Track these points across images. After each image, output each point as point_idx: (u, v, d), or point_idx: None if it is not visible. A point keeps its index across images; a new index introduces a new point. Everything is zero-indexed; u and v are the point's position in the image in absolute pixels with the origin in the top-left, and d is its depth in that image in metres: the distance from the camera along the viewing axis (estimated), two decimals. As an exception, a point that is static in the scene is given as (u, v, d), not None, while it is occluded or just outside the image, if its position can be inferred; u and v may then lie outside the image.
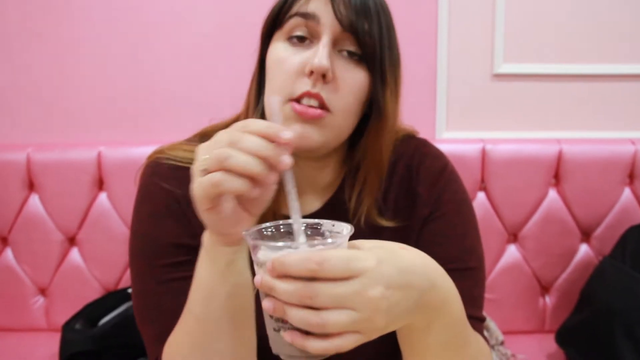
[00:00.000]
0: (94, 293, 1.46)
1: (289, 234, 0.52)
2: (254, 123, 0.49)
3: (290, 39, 0.64)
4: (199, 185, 0.50)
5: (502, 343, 1.36)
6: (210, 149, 0.50)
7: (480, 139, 1.46)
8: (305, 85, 0.62)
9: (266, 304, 0.47)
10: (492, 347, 1.34)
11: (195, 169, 0.51)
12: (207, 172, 0.49)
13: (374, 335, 0.47)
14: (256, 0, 0.70)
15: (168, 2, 1.49)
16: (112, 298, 1.39)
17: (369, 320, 0.45)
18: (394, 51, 0.67)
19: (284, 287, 0.45)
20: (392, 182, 0.75)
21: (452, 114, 1.53)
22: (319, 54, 0.61)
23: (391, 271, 0.47)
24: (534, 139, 1.48)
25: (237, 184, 0.48)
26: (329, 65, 0.61)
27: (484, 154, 1.42)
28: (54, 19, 1.50)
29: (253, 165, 0.47)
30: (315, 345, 0.45)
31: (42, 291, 1.50)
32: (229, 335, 0.60)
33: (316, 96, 0.62)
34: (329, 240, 0.51)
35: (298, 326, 0.45)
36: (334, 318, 0.44)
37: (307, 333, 0.46)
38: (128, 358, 1.26)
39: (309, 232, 0.53)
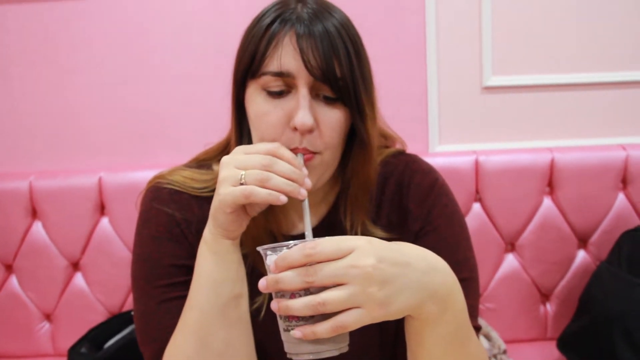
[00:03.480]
0: (98, 317, 1.47)
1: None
2: (285, 151, 0.63)
3: (268, 92, 0.67)
4: (232, 193, 0.60)
5: (504, 352, 1.37)
6: (244, 164, 0.61)
7: (473, 150, 1.48)
8: (292, 140, 0.67)
9: (272, 304, 0.54)
10: (494, 356, 1.35)
11: (227, 178, 0.61)
12: (244, 184, 0.60)
13: (376, 312, 0.51)
14: (247, 20, 0.73)
15: (166, 29, 1.53)
16: (116, 321, 1.40)
17: (365, 291, 0.50)
18: (367, 82, 0.70)
19: (286, 275, 0.51)
20: (383, 199, 0.77)
21: (445, 127, 1.55)
22: (301, 112, 0.65)
23: (384, 249, 0.53)
24: (526, 148, 1.51)
25: (267, 194, 0.60)
26: (312, 123, 0.66)
27: (477, 165, 1.44)
28: (53, 46, 1.54)
29: (287, 185, 0.60)
30: (322, 327, 0.51)
31: (48, 317, 1.52)
32: (228, 321, 0.66)
33: (304, 150, 0.68)
34: None
35: (302, 313, 0.51)
36: (332, 294, 0.50)
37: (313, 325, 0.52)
38: (134, 380, 1.27)
39: None
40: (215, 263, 0.65)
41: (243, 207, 0.64)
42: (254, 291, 0.74)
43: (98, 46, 1.54)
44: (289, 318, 0.53)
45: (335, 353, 0.54)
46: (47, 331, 1.51)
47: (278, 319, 0.56)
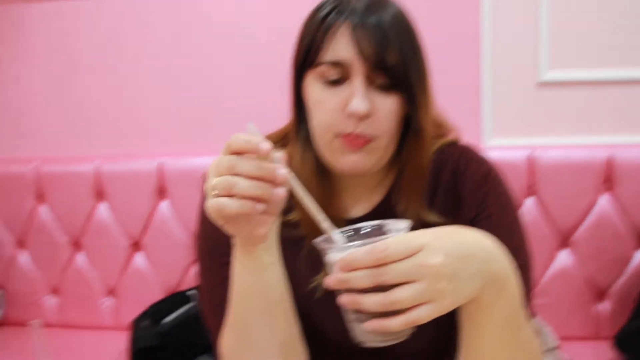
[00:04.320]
0: (156, 294, 1.56)
1: (350, 237, 0.60)
2: (234, 140, 0.56)
3: (325, 81, 0.70)
4: (211, 207, 0.57)
5: (556, 348, 1.35)
6: (217, 171, 0.56)
7: (527, 145, 1.46)
8: (348, 126, 0.68)
9: (342, 299, 0.54)
10: (547, 351, 1.33)
11: (207, 189, 0.57)
12: (219, 196, 0.56)
13: (445, 305, 0.52)
14: (303, 11, 0.76)
15: (227, 19, 1.58)
16: (174, 299, 1.48)
17: (435, 288, 0.51)
18: (421, 69, 0.72)
19: (356, 275, 0.52)
20: (438, 186, 0.79)
21: (499, 121, 1.54)
22: (356, 99, 0.67)
23: (449, 242, 0.53)
24: (583, 144, 1.47)
25: (239, 206, 0.55)
26: (367, 109, 0.67)
27: (531, 160, 1.42)
28: (117, 38, 1.63)
29: (254, 189, 0.55)
30: (395, 322, 0.51)
31: (110, 292, 1.62)
32: (265, 325, 0.68)
33: (360, 135, 0.69)
34: (389, 234, 0.57)
35: (374, 310, 0.52)
36: (403, 292, 0.51)
37: (384, 317, 0.52)
38: (189, 355, 1.34)
39: (369, 231, 0.60)
40: (242, 269, 0.66)
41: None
42: (310, 271, 0.77)
43: (160, 37, 1.62)
44: (358, 311, 0.54)
45: (402, 339, 0.55)
46: (109, 305, 1.61)
47: (345, 310, 0.56)
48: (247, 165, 0.55)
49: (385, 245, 0.51)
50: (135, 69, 1.64)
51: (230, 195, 0.55)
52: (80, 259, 1.61)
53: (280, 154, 0.57)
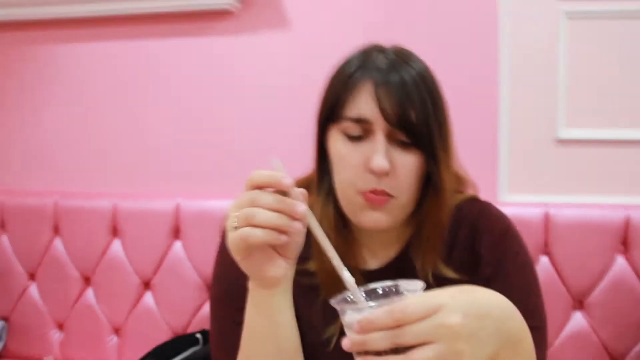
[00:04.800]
0: (163, 335, 1.54)
1: (368, 297, 0.59)
2: (256, 175, 0.59)
3: (347, 136, 0.72)
4: (232, 240, 0.59)
5: (568, 415, 1.31)
6: (237, 206, 0.59)
7: (543, 202, 1.46)
8: (370, 182, 0.70)
9: None
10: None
11: (228, 225, 0.59)
12: (237, 228, 0.58)
13: None
14: (328, 64, 0.79)
15: (245, 66, 1.64)
16: (181, 341, 1.46)
17: (454, 348, 0.50)
18: (443, 126, 0.73)
19: (374, 336, 0.51)
20: (456, 242, 0.79)
21: (515, 177, 1.54)
22: (377, 157, 0.69)
23: (466, 302, 0.53)
24: (599, 204, 1.47)
25: (262, 235, 0.57)
26: (388, 167, 0.69)
27: (547, 217, 1.42)
28: (140, 81, 1.69)
29: (274, 219, 0.57)
30: None
31: (117, 330, 1.60)
32: None
33: (381, 192, 0.70)
34: (405, 295, 0.57)
35: None
36: (422, 354, 0.50)
37: None
38: (192, 401, 1.31)
39: (386, 292, 0.59)
40: (255, 313, 0.67)
41: (269, 251, 0.61)
42: (325, 321, 0.77)
43: (181, 81, 1.67)
44: None
45: None
46: (115, 344, 1.60)
47: None
48: (267, 197, 0.57)
49: (404, 306, 0.51)
50: (154, 111, 1.69)
51: (251, 226, 0.57)
52: (90, 294, 1.61)
53: (301, 190, 0.59)
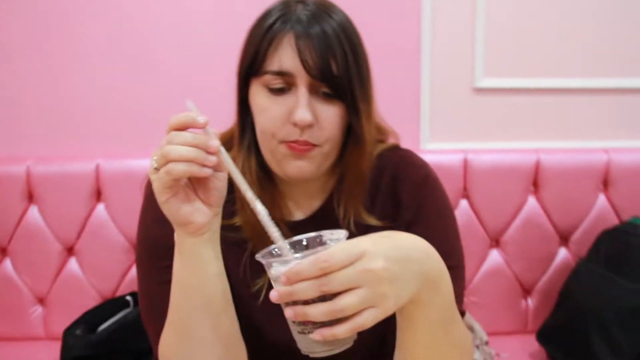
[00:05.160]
0: (91, 301, 1.50)
1: (293, 249, 0.60)
2: (174, 118, 0.61)
3: (269, 89, 0.71)
4: (156, 179, 0.61)
5: (486, 343, 1.43)
6: (157, 152, 0.61)
7: (462, 149, 1.53)
8: (293, 133, 0.70)
9: (288, 312, 0.54)
10: (476, 347, 1.40)
11: (150, 169, 0.62)
12: (158, 169, 0.60)
13: (388, 309, 0.54)
14: (251, 15, 0.76)
15: (170, 23, 1.55)
16: (110, 305, 1.43)
17: (378, 292, 0.52)
18: (364, 78, 0.74)
19: (301, 286, 0.52)
20: (378, 190, 0.82)
21: (436, 126, 1.60)
22: (300, 110, 0.69)
23: (388, 247, 0.55)
24: (513, 149, 1.56)
25: (184, 167, 0.59)
26: (311, 119, 0.69)
27: (466, 163, 1.50)
28: (56, 33, 1.56)
29: (190, 152, 0.59)
30: (342, 329, 0.53)
31: (41, 300, 1.54)
32: (205, 323, 0.68)
33: (304, 142, 0.71)
34: (329, 244, 0.58)
35: (320, 319, 0.53)
36: (348, 299, 0.52)
37: (329, 326, 0.53)
38: (127, 363, 1.30)
39: (309, 243, 0.61)
40: (182, 264, 0.67)
41: (191, 195, 0.63)
42: (253, 274, 0.78)
43: (98, 35, 1.56)
44: (304, 322, 0.55)
45: (347, 346, 0.57)
46: (39, 315, 1.54)
47: (290, 321, 0.57)
48: (181, 135, 0.59)
49: (329, 255, 0.52)
50: (70, 67, 1.57)
51: (167, 163, 0.59)
52: (8, 265, 1.52)
53: (214, 130, 0.61)
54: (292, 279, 0.53)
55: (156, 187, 0.61)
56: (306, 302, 0.53)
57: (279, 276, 0.54)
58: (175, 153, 0.58)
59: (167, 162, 0.59)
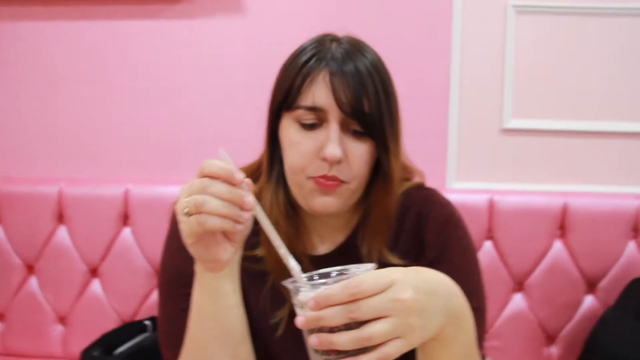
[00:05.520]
0: (110, 323, 1.51)
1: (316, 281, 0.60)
2: (208, 165, 0.59)
3: (301, 124, 0.73)
4: (186, 224, 0.60)
5: (507, 391, 1.38)
6: (188, 192, 0.60)
7: (488, 189, 1.52)
8: (321, 168, 0.71)
9: (313, 339, 0.53)
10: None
11: (179, 209, 0.60)
12: (189, 214, 0.59)
13: (414, 340, 0.53)
14: (283, 51, 0.79)
15: (199, 51, 1.61)
16: (129, 329, 1.44)
17: (406, 322, 0.52)
18: (394, 118, 0.75)
19: (329, 312, 0.52)
20: (402, 229, 0.82)
21: (462, 165, 1.60)
22: (331, 145, 0.70)
23: (417, 279, 0.55)
24: (540, 191, 1.54)
25: (219, 222, 0.58)
26: (341, 155, 0.70)
27: (491, 204, 1.48)
28: (92, 63, 1.63)
29: (224, 208, 0.58)
30: (367, 359, 0.52)
31: (62, 319, 1.56)
32: (221, 352, 0.69)
33: (332, 178, 0.71)
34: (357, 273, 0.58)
35: (347, 347, 0.52)
36: (377, 328, 0.52)
37: (353, 356, 0.52)
38: (142, 388, 1.30)
39: (336, 277, 0.60)
40: (201, 295, 0.68)
41: (218, 235, 0.63)
42: (273, 306, 0.78)
43: (133, 64, 1.62)
44: (328, 352, 0.54)
45: None
46: (59, 334, 1.55)
47: (312, 352, 0.56)
48: (218, 187, 0.58)
49: (360, 281, 0.52)
50: (106, 94, 1.63)
51: (200, 213, 0.58)
52: (33, 282, 1.55)
53: (247, 181, 0.60)
54: (321, 304, 0.52)
55: (185, 230, 0.61)
56: (331, 331, 0.53)
57: (307, 301, 0.54)
58: (210, 206, 0.57)
59: (200, 212, 0.58)
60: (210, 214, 0.58)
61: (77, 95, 1.64)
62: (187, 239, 0.61)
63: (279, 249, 0.61)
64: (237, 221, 0.59)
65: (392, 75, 0.77)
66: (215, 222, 0.58)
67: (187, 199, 0.59)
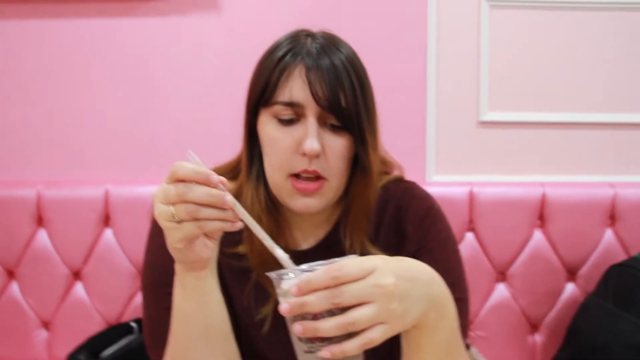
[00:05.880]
0: (95, 326, 1.50)
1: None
2: (180, 169, 0.58)
3: (279, 120, 0.73)
4: (179, 231, 0.59)
5: (492, 379, 1.40)
6: (164, 198, 0.59)
7: (467, 182, 1.54)
8: (301, 163, 0.72)
9: (297, 327, 0.54)
10: (482, 383, 1.38)
11: (160, 215, 0.60)
12: (181, 222, 0.59)
13: (397, 326, 0.54)
14: (259, 47, 0.79)
15: (174, 48, 1.60)
16: (114, 331, 1.43)
17: (388, 307, 0.53)
18: (370, 112, 0.76)
19: (312, 298, 0.53)
20: (383, 222, 0.82)
21: (441, 158, 1.62)
22: (310, 139, 0.70)
23: (397, 266, 0.56)
24: (518, 182, 1.57)
25: (220, 225, 0.60)
26: (320, 149, 0.71)
27: (471, 196, 1.50)
28: (66, 62, 1.60)
29: (218, 213, 0.59)
30: (352, 345, 0.53)
31: (45, 324, 1.54)
32: (204, 350, 0.69)
33: (313, 172, 0.72)
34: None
35: (331, 333, 0.53)
36: (360, 313, 0.52)
37: (338, 342, 0.53)
38: (128, 390, 1.29)
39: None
40: (184, 297, 0.68)
41: (201, 235, 0.63)
42: (257, 302, 0.78)
43: (108, 64, 1.60)
44: (312, 340, 0.54)
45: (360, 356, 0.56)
46: (43, 339, 1.53)
47: (297, 340, 0.56)
48: (197, 192, 0.58)
49: (341, 266, 0.53)
50: (81, 94, 1.61)
51: (196, 220, 0.58)
52: (14, 287, 1.53)
53: (222, 180, 0.60)
54: (304, 289, 0.53)
55: (176, 236, 0.60)
56: (314, 319, 0.53)
57: (290, 289, 0.54)
58: (204, 213, 0.58)
59: (196, 218, 0.58)
60: (207, 219, 0.58)
61: (51, 96, 1.61)
62: (178, 244, 0.61)
63: (264, 241, 0.61)
64: (230, 221, 0.60)
65: (369, 71, 0.78)
66: (215, 226, 0.59)
67: (175, 207, 0.58)
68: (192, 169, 0.58)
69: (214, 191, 0.58)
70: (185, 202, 0.58)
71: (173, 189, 0.58)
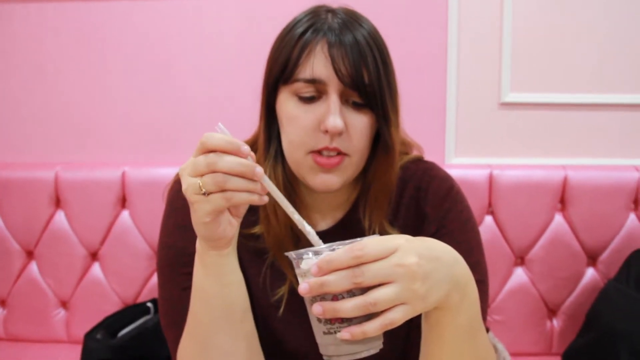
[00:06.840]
0: (112, 306, 1.51)
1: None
2: (211, 139, 0.57)
3: (299, 97, 0.71)
4: (207, 203, 0.58)
5: (509, 364, 1.39)
6: (193, 170, 0.58)
7: (487, 164, 1.51)
8: (323, 140, 0.69)
9: (316, 308, 0.52)
10: (499, 367, 1.36)
11: (188, 188, 0.58)
12: (208, 193, 0.57)
13: (418, 307, 0.53)
14: (278, 26, 0.77)
15: (192, 31, 1.58)
16: (131, 311, 1.44)
17: (411, 287, 0.52)
18: (393, 90, 0.74)
19: (333, 277, 0.51)
20: (402, 202, 0.81)
21: (461, 140, 1.59)
22: (332, 117, 0.68)
23: (420, 246, 0.54)
24: (540, 164, 1.53)
25: (247, 197, 0.58)
26: (343, 126, 0.69)
27: (491, 179, 1.47)
28: (84, 44, 1.60)
29: (247, 184, 0.57)
30: (372, 326, 0.51)
31: (64, 304, 1.56)
32: (225, 330, 0.68)
33: (335, 149, 0.70)
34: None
35: (351, 314, 0.51)
36: (382, 293, 0.51)
37: (358, 324, 0.52)
38: (145, 370, 1.31)
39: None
40: (205, 276, 0.67)
41: (226, 212, 0.62)
42: (273, 283, 0.77)
43: (127, 47, 1.60)
44: (331, 321, 0.53)
45: (373, 352, 0.54)
46: (62, 318, 1.56)
47: (315, 321, 0.55)
48: (228, 161, 0.56)
49: (363, 245, 0.52)
50: (102, 75, 1.61)
51: (223, 191, 0.57)
52: (33, 268, 1.55)
53: (251, 153, 0.58)
54: (324, 268, 0.52)
55: (204, 210, 0.58)
56: (334, 299, 0.52)
57: (309, 269, 0.53)
58: (234, 183, 0.57)
59: (224, 189, 0.57)
60: (235, 190, 0.57)
61: (70, 79, 1.62)
62: (204, 218, 0.59)
63: (292, 215, 0.61)
64: (259, 193, 0.59)
65: (391, 51, 0.75)
66: (242, 197, 0.57)
67: (203, 179, 0.57)
68: (225, 139, 0.57)
69: (244, 161, 0.57)
70: (215, 171, 0.56)
71: (203, 160, 0.57)
